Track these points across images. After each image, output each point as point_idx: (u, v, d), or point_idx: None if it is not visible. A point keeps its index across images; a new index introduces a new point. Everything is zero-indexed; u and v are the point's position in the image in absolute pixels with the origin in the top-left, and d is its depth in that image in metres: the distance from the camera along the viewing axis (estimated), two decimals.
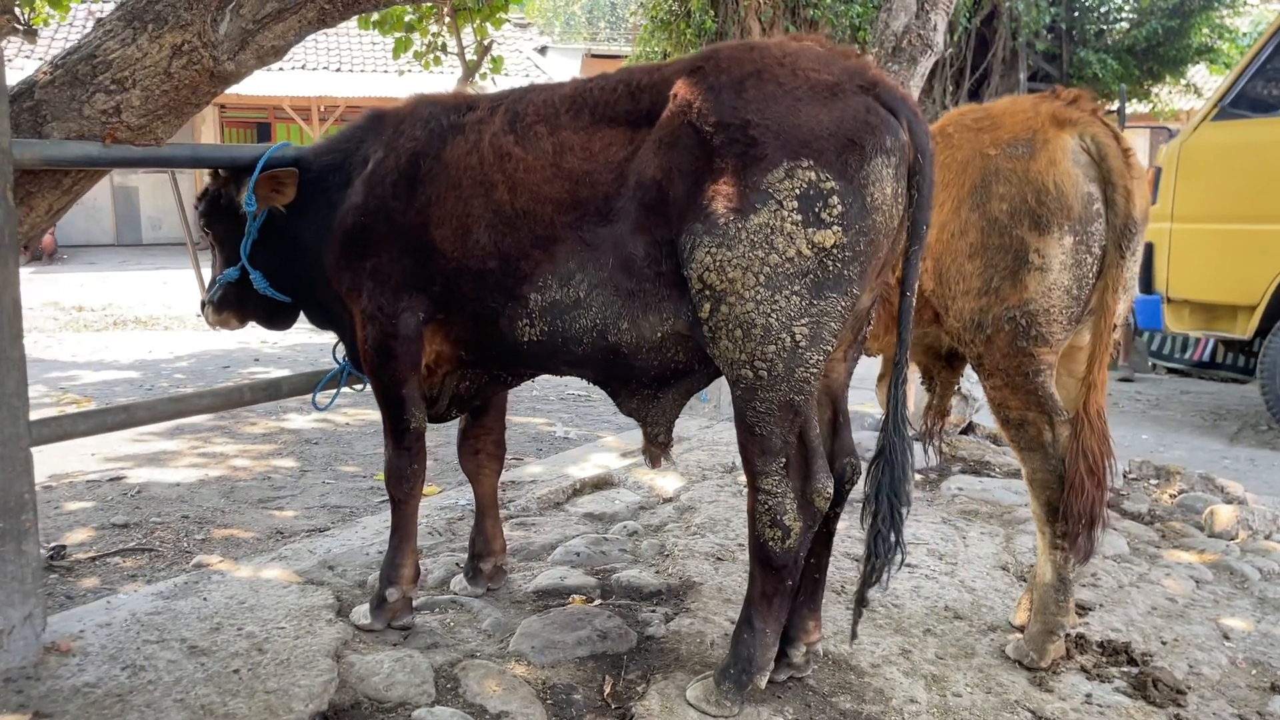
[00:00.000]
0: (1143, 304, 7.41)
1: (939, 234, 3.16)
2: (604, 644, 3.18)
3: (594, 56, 28.07)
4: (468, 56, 12.40)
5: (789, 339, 2.54)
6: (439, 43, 12.58)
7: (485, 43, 12.37)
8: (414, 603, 3.43)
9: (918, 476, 5.14)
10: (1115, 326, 3.04)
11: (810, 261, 2.50)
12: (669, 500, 4.70)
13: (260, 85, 20.89)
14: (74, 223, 23.34)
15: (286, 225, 3.37)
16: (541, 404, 7.95)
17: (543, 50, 27.91)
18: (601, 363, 2.90)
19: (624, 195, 2.71)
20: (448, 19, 12.21)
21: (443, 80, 14.58)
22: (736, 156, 2.52)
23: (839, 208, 2.49)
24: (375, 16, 11.97)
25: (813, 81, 2.56)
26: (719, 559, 3.93)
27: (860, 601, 2.86)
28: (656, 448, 3.07)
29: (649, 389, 2.99)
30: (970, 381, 5.67)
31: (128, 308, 13.78)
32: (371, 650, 3.10)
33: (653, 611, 3.45)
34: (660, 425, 3.03)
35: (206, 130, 23.26)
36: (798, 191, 2.48)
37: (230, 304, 3.59)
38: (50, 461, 5.59)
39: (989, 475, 5.20)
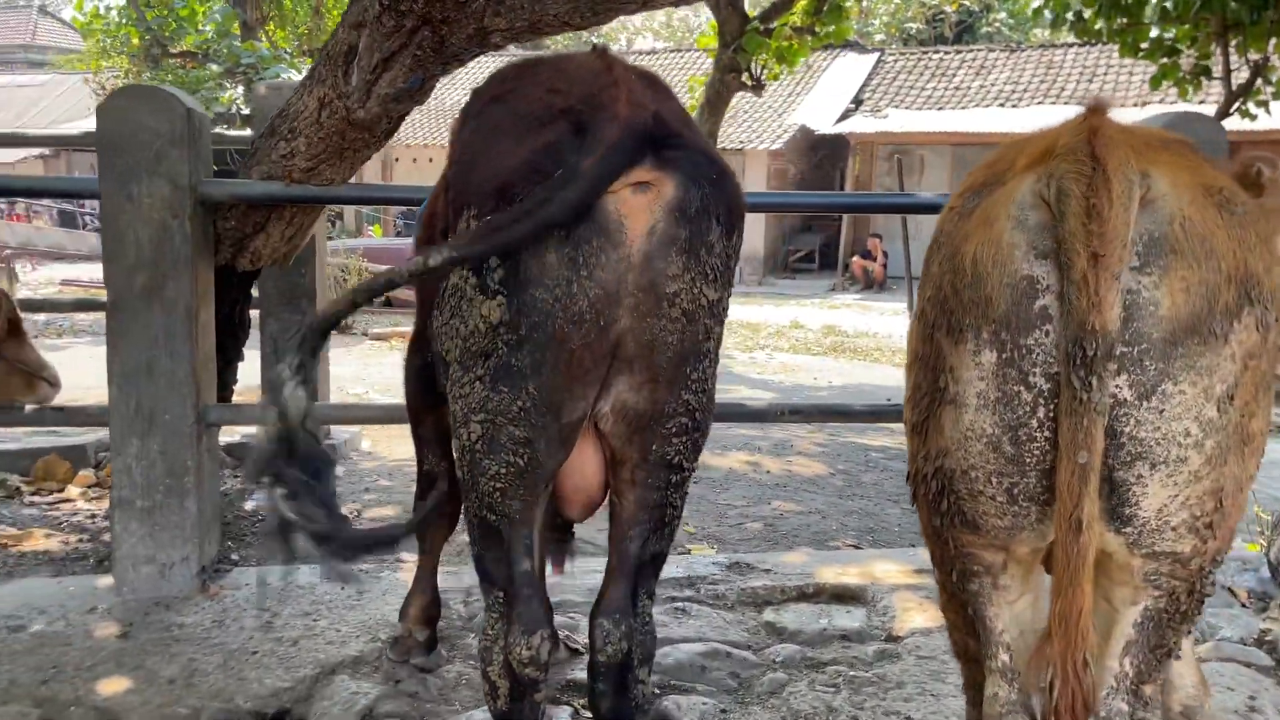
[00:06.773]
0: None
1: None
2: None
3: None
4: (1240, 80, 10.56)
5: None
6: (1204, 66, 11.00)
7: (1258, 60, 10.38)
8: None
9: None
10: (1082, 524, 1.60)
11: None
12: None
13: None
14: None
15: None
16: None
17: None
18: None
19: None
20: (1236, 41, 10.59)
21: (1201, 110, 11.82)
22: None
23: None
24: (1145, 44, 10.93)
25: None
26: None
27: None
28: None
29: None
30: None
31: (882, 336, 13.99)
32: None
33: None
34: None
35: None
36: None
37: None
38: None
39: None
